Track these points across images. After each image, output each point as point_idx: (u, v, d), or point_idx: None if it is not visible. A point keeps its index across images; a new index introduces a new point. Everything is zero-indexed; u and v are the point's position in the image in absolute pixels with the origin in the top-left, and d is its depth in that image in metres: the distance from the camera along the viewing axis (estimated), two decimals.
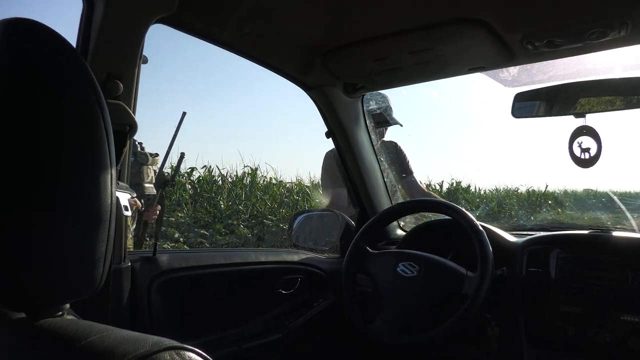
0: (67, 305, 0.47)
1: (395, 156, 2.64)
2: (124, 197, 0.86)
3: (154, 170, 2.35)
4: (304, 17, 1.15)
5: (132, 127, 0.91)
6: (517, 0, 1.01)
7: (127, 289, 1.06)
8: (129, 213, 0.86)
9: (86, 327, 0.41)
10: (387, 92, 2.50)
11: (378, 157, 1.73)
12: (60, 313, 0.46)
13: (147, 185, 2.26)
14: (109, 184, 0.45)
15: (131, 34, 0.93)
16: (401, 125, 2.57)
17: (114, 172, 0.46)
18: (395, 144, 2.67)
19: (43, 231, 0.41)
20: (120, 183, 0.93)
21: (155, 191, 2.29)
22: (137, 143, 2.28)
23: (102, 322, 0.44)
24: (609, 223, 1.70)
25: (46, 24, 0.44)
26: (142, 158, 2.24)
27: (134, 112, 0.96)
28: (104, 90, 0.89)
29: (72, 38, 0.90)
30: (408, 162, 2.66)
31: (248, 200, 5.87)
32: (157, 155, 2.35)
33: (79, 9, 0.91)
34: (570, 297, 1.23)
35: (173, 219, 5.01)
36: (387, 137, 2.63)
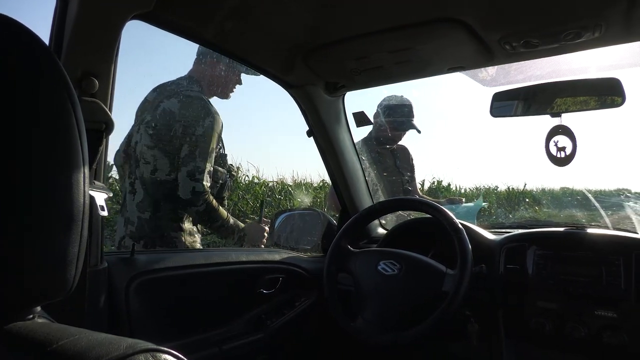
0: (39, 308, 0.46)
1: (405, 160, 2.70)
2: (100, 197, 0.84)
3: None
4: (285, 16, 1.14)
5: (109, 125, 0.90)
6: (496, 1, 1.02)
7: (104, 290, 1.04)
8: (105, 213, 0.84)
9: (58, 330, 0.40)
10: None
11: (359, 156, 1.74)
12: (31, 316, 0.44)
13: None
14: (82, 182, 0.43)
15: (107, 30, 0.90)
16: (419, 132, 2.62)
17: (87, 170, 0.44)
18: (405, 147, 2.74)
19: (11, 231, 0.39)
20: (97, 182, 0.91)
21: None
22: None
23: (78, 325, 0.42)
24: (584, 220, 1.74)
25: (18, 19, 0.43)
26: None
27: (110, 109, 0.94)
28: (79, 87, 0.87)
29: (45, 34, 0.88)
30: (414, 168, 2.75)
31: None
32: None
33: (52, 3, 0.88)
34: (547, 294, 1.25)
35: None
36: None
